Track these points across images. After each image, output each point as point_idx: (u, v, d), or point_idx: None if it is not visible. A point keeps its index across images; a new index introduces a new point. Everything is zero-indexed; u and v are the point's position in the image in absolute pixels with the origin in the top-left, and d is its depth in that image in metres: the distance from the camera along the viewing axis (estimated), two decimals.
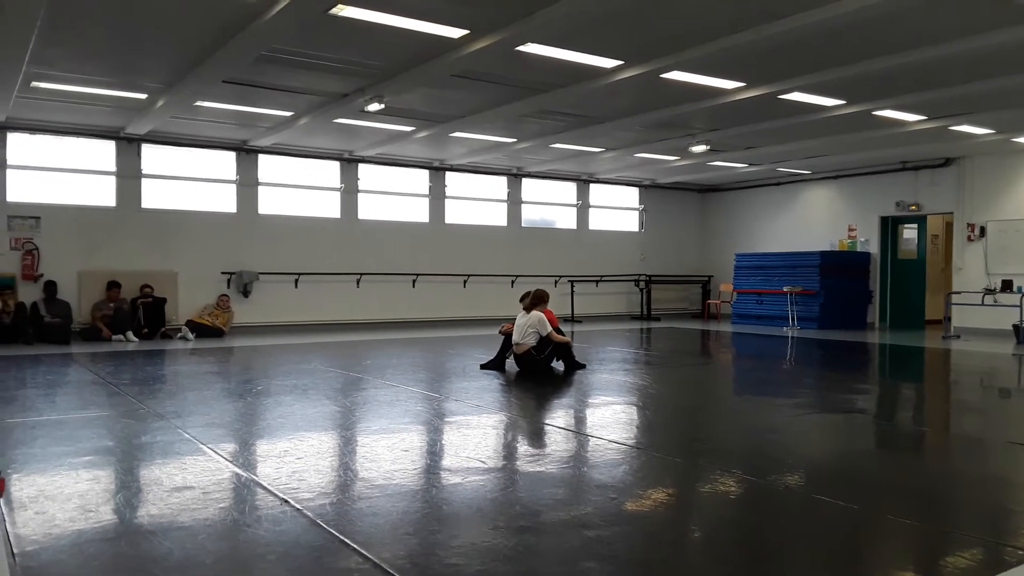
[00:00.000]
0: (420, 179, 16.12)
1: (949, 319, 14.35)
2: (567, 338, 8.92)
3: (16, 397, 6.84)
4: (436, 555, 3.14)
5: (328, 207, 15.12)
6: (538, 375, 8.46)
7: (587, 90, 9.45)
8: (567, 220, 18.38)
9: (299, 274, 14.49)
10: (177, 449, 4.86)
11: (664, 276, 19.19)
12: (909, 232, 16.70)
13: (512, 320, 8.96)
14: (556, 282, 17.34)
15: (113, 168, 13.01)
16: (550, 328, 8.58)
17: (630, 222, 19.42)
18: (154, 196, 13.37)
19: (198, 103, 10.62)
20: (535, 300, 8.79)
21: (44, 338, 11.55)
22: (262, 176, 14.33)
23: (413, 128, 12.31)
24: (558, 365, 8.81)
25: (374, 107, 9.87)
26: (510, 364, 8.88)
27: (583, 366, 8.93)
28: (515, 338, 8.66)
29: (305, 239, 14.67)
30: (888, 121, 11.64)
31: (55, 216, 12.46)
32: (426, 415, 6.30)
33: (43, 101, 10.65)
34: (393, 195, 15.82)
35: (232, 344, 12.01)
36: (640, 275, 18.74)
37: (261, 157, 14.25)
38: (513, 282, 16.61)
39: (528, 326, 8.57)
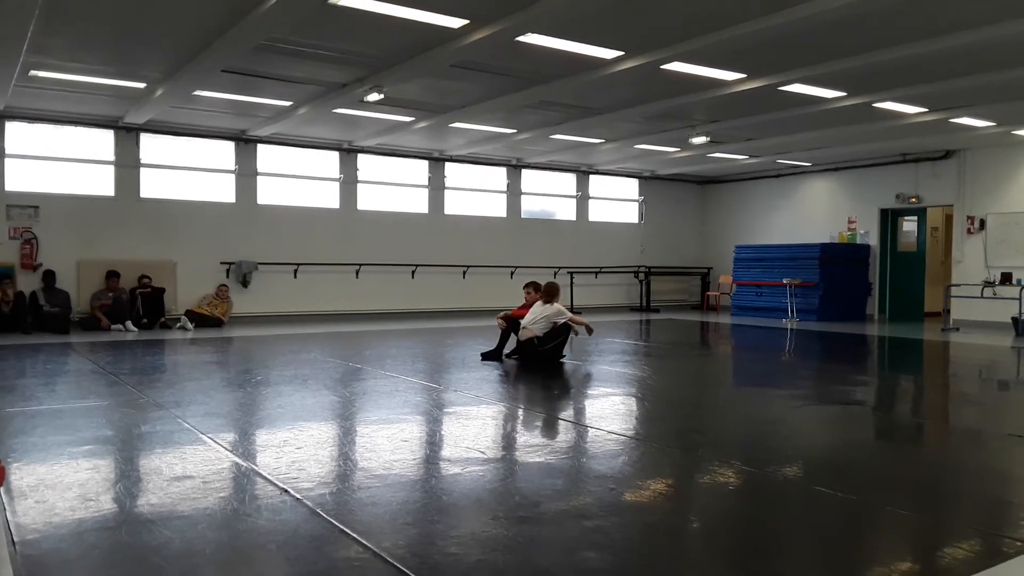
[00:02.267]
0: (419, 169, 16.10)
1: (948, 311, 14.36)
2: (584, 320, 8.99)
3: (15, 386, 6.84)
4: (436, 545, 3.15)
5: (327, 197, 15.09)
6: (537, 366, 8.46)
7: (587, 81, 9.42)
8: (567, 211, 18.36)
9: (298, 264, 14.48)
10: (177, 439, 4.87)
11: (663, 268, 19.20)
12: (909, 224, 16.68)
13: (510, 309, 9.05)
14: (555, 273, 17.32)
15: (112, 157, 12.98)
16: (567, 316, 8.62)
17: (630, 213, 19.40)
18: (153, 186, 13.34)
19: (197, 92, 10.58)
20: (549, 293, 8.78)
21: (43, 327, 11.56)
22: (261, 166, 14.30)
23: (412, 118, 12.28)
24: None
25: (373, 97, 9.84)
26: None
27: (563, 357, 8.81)
28: (525, 321, 8.67)
29: (304, 229, 14.65)
30: (888, 113, 11.62)
31: (54, 205, 12.44)
32: (425, 405, 6.31)
33: (41, 90, 10.61)
34: (392, 185, 15.79)
35: (231, 334, 12.01)
36: (639, 267, 18.73)
37: (260, 147, 14.22)
38: (512, 273, 16.61)
39: (542, 316, 8.56)
